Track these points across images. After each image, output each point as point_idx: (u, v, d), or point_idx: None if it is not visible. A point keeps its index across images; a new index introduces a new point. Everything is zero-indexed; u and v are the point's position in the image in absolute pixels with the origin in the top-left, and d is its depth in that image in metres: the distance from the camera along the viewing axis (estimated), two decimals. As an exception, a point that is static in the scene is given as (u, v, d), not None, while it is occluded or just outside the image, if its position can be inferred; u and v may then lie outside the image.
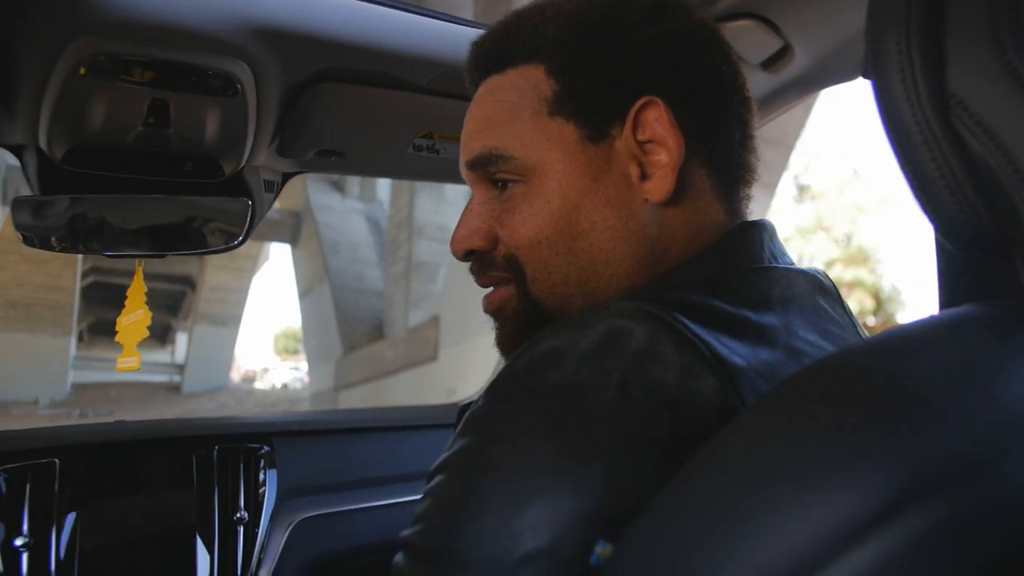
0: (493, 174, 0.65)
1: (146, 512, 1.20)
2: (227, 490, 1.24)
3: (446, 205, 10.20)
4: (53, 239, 1.01)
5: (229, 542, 1.21)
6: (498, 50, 0.66)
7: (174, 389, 20.39)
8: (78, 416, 14.74)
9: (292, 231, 15.76)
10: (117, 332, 1.04)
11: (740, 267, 0.59)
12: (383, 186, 12.96)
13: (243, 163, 1.05)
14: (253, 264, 19.65)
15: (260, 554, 1.22)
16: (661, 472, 0.44)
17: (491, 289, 0.68)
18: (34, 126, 0.92)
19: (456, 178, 1.34)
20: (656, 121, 0.60)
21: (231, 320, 19.99)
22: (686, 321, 0.50)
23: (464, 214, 0.68)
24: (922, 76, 0.43)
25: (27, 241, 1.00)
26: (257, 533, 1.23)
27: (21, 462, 1.11)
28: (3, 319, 15.10)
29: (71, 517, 1.11)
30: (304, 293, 14.56)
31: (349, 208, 13.28)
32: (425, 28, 0.92)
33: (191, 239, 1.07)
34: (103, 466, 1.18)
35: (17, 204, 0.99)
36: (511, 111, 0.63)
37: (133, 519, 1.19)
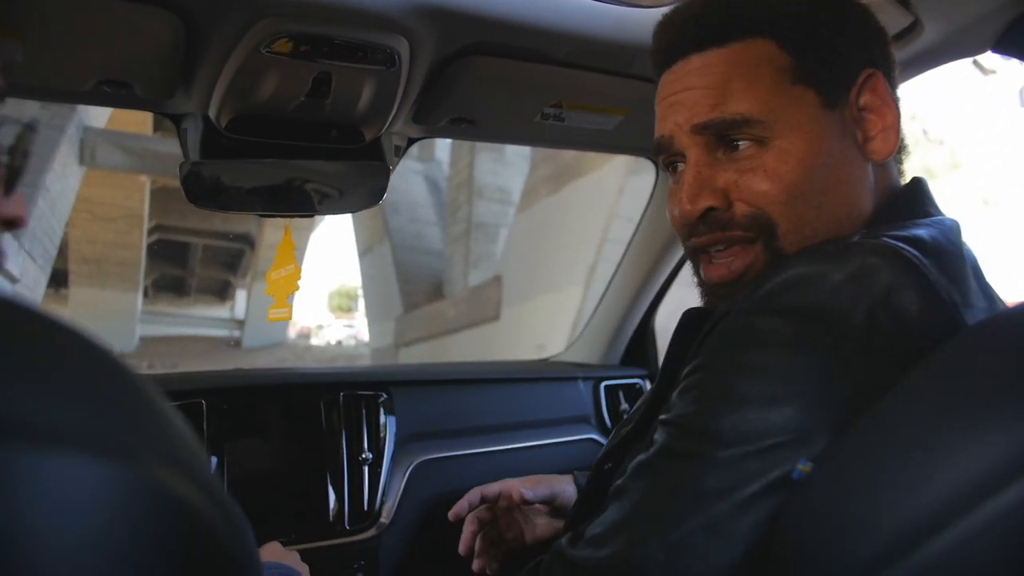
0: (729, 136, 0.68)
1: (282, 450, 1.31)
2: (352, 433, 1.34)
3: (506, 166, 10.22)
4: (214, 199, 1.10)
5: (355, 480, 1.32)
6: (722, 23, 0.69)
7: (234, 344, 20.98)
8: (147, 367, 15.34)
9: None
10: (268, 286, 1.13)
11: (930, 213, 0.69)
12: (442, 147, 12.99)
13: (383, 130, 1.13)
14: (310, 223, 19.94)
15: (384, 492, 1.33)
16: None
17: (725, 259, 0.71)
18: (207, 97, 1.01)
19: (577, 144, 1.39)
20: (874, 91, 0.69)
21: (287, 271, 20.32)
22: (924, 260, 0.59)
23: (689, 174, 0.70)
24: None
25: (190, 199, 1.09)
26: (380, 473, 1.33)
27: (172, 402, 1.22)
28: (76, 274, 15.65)
29: (217, 452, 1.23)
30: (364, 252, 14.77)
31: (408, 168, 13.34)
32: (566, 4, 0.98)
33: (335, 200, 1.15)
34: (243, 407, 1.29)
35: (184, 168, 1.09)
36: (750, 80, 0.67)
37: (271, 455, 1.30)
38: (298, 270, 1.13)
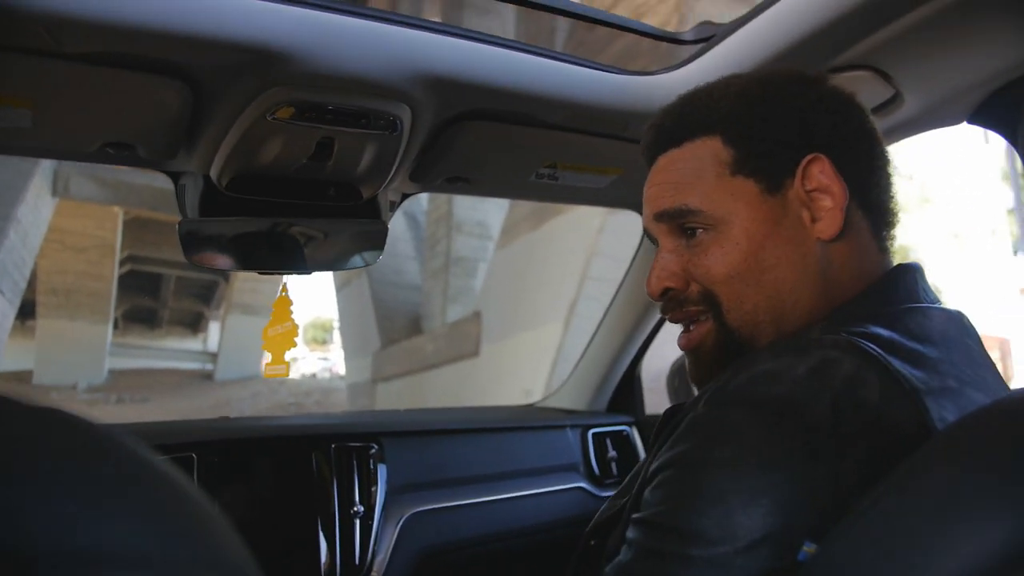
0: (683, 224, 0.77)
1: (272, 504, 1.30)
2: (343, 485, 1.34)
3: (485, 201, 10.29)
4: (212, 258, 1.11)
5: (347, 533, 1.31)
6: (675, 128, 0.79)
7: (207, 377, 20.71)
8: (115, 401, 15.06)
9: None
10: (265, 342, 1.14)
11: (902, 304, 0.70)
12: (419, 181, 13.00)
13: (381, 189, 1.15)
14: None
15: (375, 544, 1.32)
16: (863, 480, 0.55)
17: (687, 329, 0.80)
18: (210, 158, 1.02)
19: (568, 200, 1.42)
20: (821, 173, 0.73)
21: (263, 309, 20.11)
22: (884, 353, 0.61)
23: (656, 260, 0.80)
24: None
25: (190, 258, 1.10)
26: (372, 525, 1.33)
27: (163, 456, 1.21)
28: (44, 305, 15.43)
29: None
30: (342, 286, 14.71)
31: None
32: (562, 72, 1.01)
33: (332, 258, 1.17)
34: (234, 460, 1.28)
35: (183, 226, 1.09)
36: (696, 174, 0.76)
37: (261, 510, 1.29)
38: (296, 327, 1.14)
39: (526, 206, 7.87)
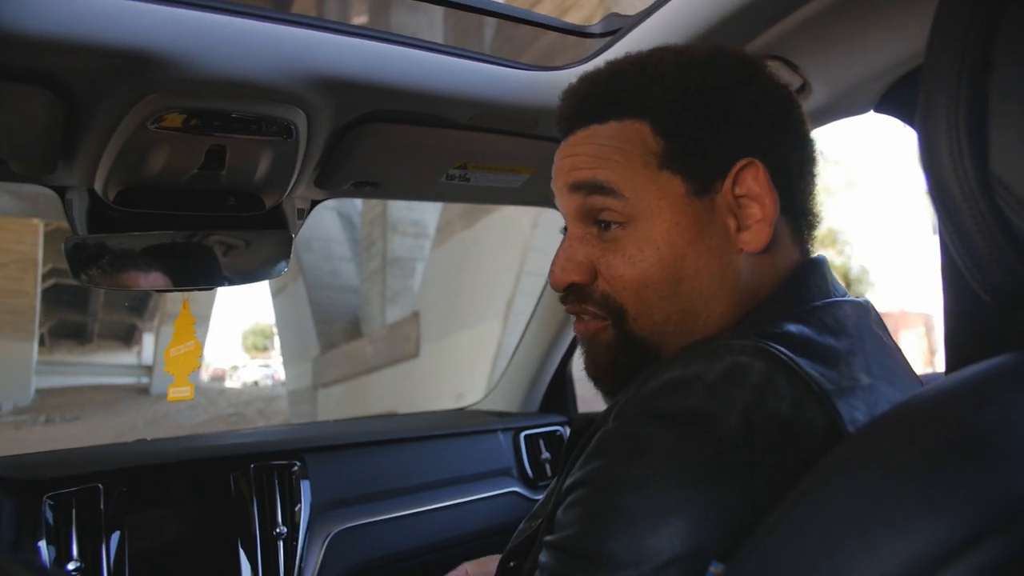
0: (598, 211, 0.70)
1: (188, 531, 1.24)
2: (264, 506, 1.28)
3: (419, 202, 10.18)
4: (103, 276, 1.04)
5: (270, 556, 1.25)
6: (601, 102, 0.71)
7: (143, 391, 20.06)
8: (44, 422, 14.45)
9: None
10: (167, 364, 1.08)
11: (814, 300, 0.67)
12: (353, 182, 12.85)
13: (284, 197, 1.09)
14: (220, 262, 19.32)
15: (300, 566, 1.27)
16: (777, 490, 0.53)
17: (584, 321, 0.74)
18: (91, 171, 0.95)
19: (482, 200, 1.39)
20: (754, 180, 0.67)
21: (199, 319, 19.52)
22: (792, 356, 0.58)
23: (562, 247, 0.73)
24: (969, 161, 0.50)
25: (78, 278, 1.03)
26: (296, 546, 1.28)
27: (66, 488, 1.14)
28: (-38, 325, 14.75)
29: (116, 539, 1.15)
30: (277, 291, 14.41)
31: (321, 204, 13.13)
32: (467, 70, 0.98)
33: (236, 271, 1.11)
34: (144, 488, 1.21)
35: (68, 243, 1.02)
36: (622, 155, 0.68)
37: (177, 537, 1.23)
38: (199, 346, 1.08)
39: (459, 205, 7.83)
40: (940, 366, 0.74)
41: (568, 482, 0.61)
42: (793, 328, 0.62)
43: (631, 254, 0.68)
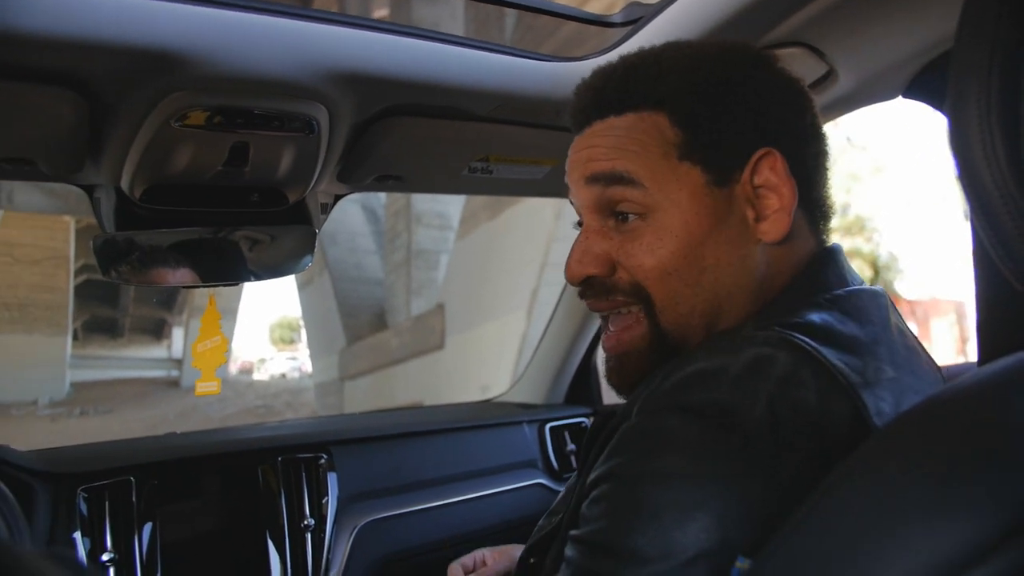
0: (616, 202, 0.70)
1: (218, 522, 1.25)
2: (292, 499, 1.30)
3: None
4: (131, 273, 1.05)
5: (298, 548, 1.27)
6: (619, 94, 0.70)
7: (173, 384, 20.38)
8: (79, 415, 14.75)
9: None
10: (194, 359, 1.09)
11: (833, 289, 0.66)
12: (377, 175, 12.90)
13: (307, 192, 1.10)
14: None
15: (328, 558, 1.28)
16: (802, 483, 0.52)
17: (616, 328, 0.73)
18: (118, 170, 0.96)
19: (505, 192, 1.39)
20: (772, 170, 0.67)
21: (227, 312, 19.97)
22: (818, 346, 0.58)
23: (579, 240, 0.73)
24: (1001, 146, 0.48)
25: (107, 275, 1.04)
26: (323, 538, 1.29)
27: (99, 481, 1.16)
28: (-1, 321, 15.06)
29: (148, 530, 1.17)
30: (303, 285, 14.54)
31: (345, 197, 13.19)
32: (486, 62, 0.97)
33: (260, 267, 1.11)
34: (174, 480, 1.23)
35: (97, 240, 1.03)
36: (641, 147, 0.68)
37: (207, 529, 1.24)
38: (225, 341, 1.09)
39: (484, 196, 7.83)
40: (973, 355, 0.72)
41: (592, 477, 0.61)
42: (815, 317, 0.62)
43: (650, 243, 0.68)
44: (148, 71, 0.79)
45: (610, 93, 0.71)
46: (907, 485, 0.44)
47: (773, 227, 0.67)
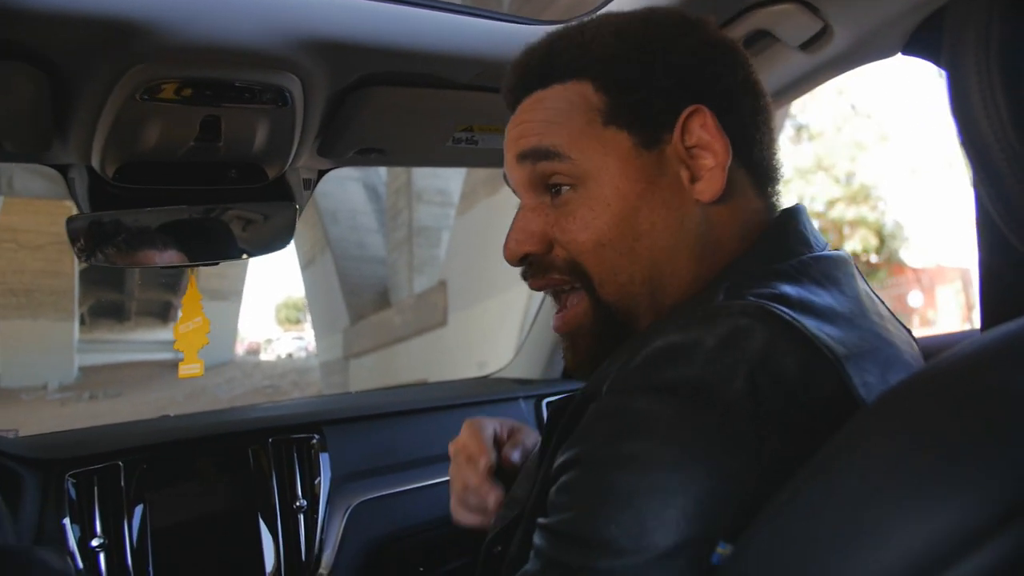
0: (547, 176, 0.69)
1: (210, 506, 1.24)
2: (284, 480, 1.28)
3: (444, 169, 10.15)
4: (107, 255, 1.03)
5: (291, 529, 1.25)
6: (542, 68, 0.71)
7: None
8: (88, 399, 14.87)
9: (289, 203, 15.67)
10: (176, 340, 1.07)
11: (798, 255, 0.64)
12: (378, 152, 12.88)
13: (286, 167, 1.07)
14: (250, 237, 19.56)
15: (322, 539, 1.27)
16: (786, 463, 0.49)
17: (563, 311, 0.71)
18: (87, 147, 0.93)
19: (493, 163, 1.35)
20: (702, 127, 0.65)
21: (232, 294, 20.03)
22: (798, 316, 0.54)
23: (516, 220, 0.72)
24: (1002, 98, 0.45)
25: (82, 257, 1.02)
26: (317, 519, 1.27)
27: (87, 466, 1.15)
28: (4, 307, 15.11)
29: (139, 514, 1.15)
30: (306, 264, 14.55)
31: (345, 176, 13.19)
32: (467, 27, 0.93)
33: (241, 244, 1.09)
34: (164, 464, 1.22)
35: (71, 222, 1.01)
36: (565, 117, 0.68)
37: (198, 512, 1.23)
38: (207, 322, 1.07)
39: (482, 171, 7.78)
40: (978, 322, 0.70)
41: (559, 461, 0.58)
42: (789, 289, 0.58)
43: (583, 215, 0.67)
44: (109, 42, 0.76)
45: (535, 67, 0.71)
46: (901, 463, 0.41)
47: (708, 186, 0.66)
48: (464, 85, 1.00)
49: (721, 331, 0.54)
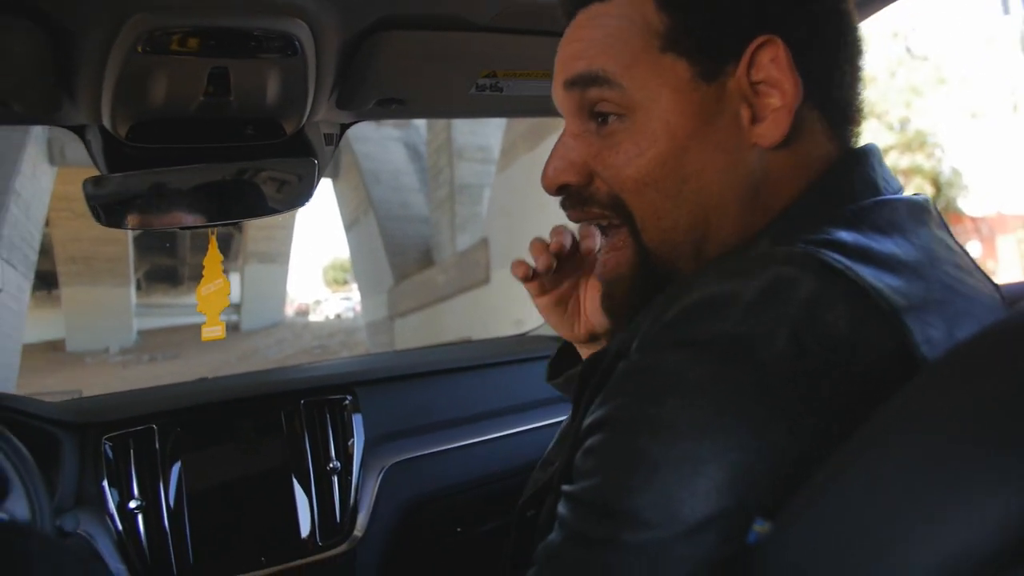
0: (594, 103, 0.62)
1: (244, 467, 1.24)
2: (317, 442, 1.27)
3: (483, 124, 10.04)
4: (127, 217, 1.01)
5: (325, 491, 1.25)
6: None
7: (233, 328, 20.99)
8: (148, 360, 15.38)
9: (331, 165, 15.78)
10: (199, 303, 1.05)
11: (861, 199, 0.57)
12: (417, 111, 12.86)
13: (304, 121, 1.03)
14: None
15: (356, 500, 1.26)
16: (835, 430, 0.44)
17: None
18: (96, 106, 0.91)
19: (520, 112, 1.29)
20: (772, 61, 0.57)
21: (280, 256, 20.36)
22: (851, 264, 0.48)
23: (556, 147, 0.66)
24: None
25: (99, 219, 1.00)
26: (350, 481, 1.26)
27: (123, 430, 1.16)
28: (64, 274, 15.61)
29: (175, 476, 1.16)
30: (350, 225, 14.67)
31: (386, 136, 13.20)
32: (484, -38, 0.87)
33: (261, 203, 1.06)
34: (198, 427, 1.22)
35: (88, 184, 0.99)
36: (621, 39, 0.60)
37: (233, 474, 1.23)
38: (227, 283, 1.05)
39: (521, 126, 7.66)
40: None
41: (586, 422, 0.53)
42: (844, 234, 0.51)
43: (627, 149, 0.60)
44: None
45: None
46: (968, 433, 0.35)
47: (770, 129, 0.58)
48: (485, 27, 0.94)
49: (762, 281, 0.48)
